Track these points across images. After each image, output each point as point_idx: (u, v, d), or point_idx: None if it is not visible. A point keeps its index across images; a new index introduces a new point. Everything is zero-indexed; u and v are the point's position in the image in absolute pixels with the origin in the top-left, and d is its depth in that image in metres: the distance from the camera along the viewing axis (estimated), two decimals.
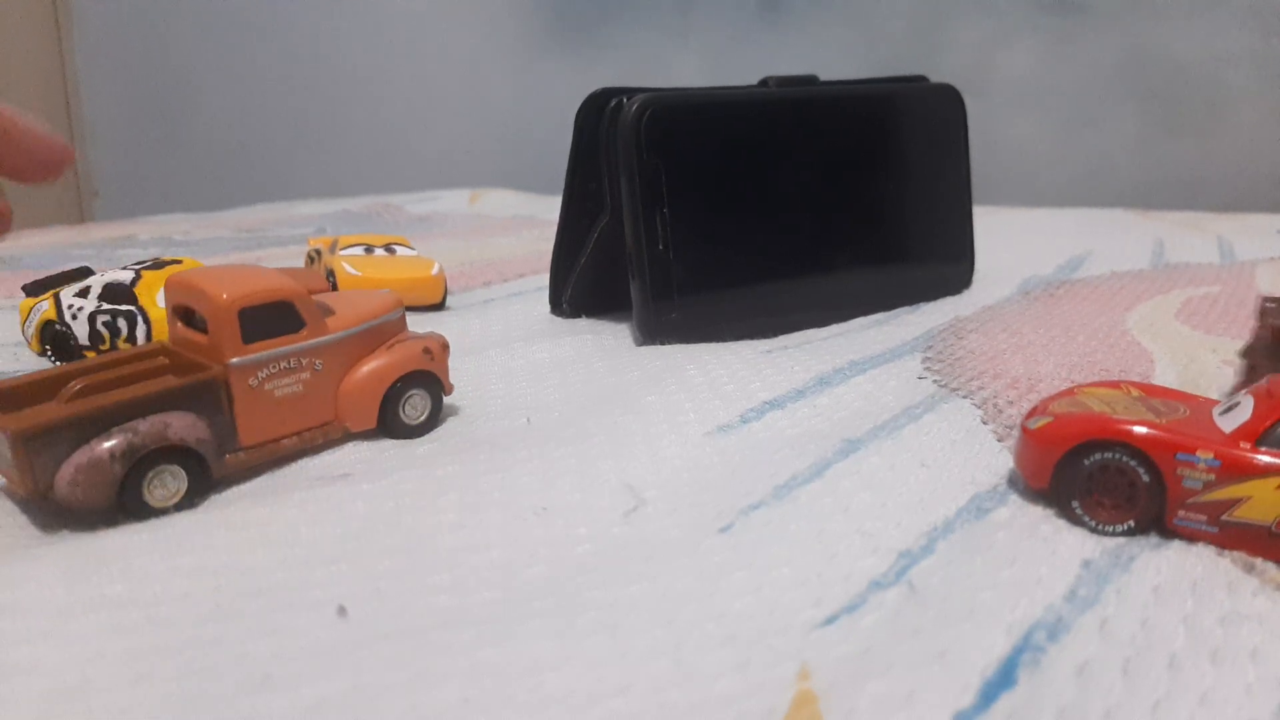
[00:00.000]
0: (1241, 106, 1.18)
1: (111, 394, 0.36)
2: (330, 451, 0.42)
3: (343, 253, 0.70)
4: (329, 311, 0.42)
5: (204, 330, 0.39)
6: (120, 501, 0.35)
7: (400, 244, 0.74)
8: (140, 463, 0.35)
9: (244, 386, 0.39)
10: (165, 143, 1.79)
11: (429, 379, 0.44)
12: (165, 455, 0.36)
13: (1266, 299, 0.48)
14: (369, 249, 0.71)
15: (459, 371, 0.52)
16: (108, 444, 0.35)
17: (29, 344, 0.56)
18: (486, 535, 0.34)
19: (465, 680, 0.25)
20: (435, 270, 0.69)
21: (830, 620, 0.28)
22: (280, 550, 0.32)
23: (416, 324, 0.63)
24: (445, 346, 0.45)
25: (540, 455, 0.40)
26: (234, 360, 0.38)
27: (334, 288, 0.67)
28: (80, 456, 0.34)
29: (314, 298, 0.42)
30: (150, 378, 0.38)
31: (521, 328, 0.63)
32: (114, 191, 1.86)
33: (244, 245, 0.99)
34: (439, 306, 0.69)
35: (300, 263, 0.77)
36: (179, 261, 0.58)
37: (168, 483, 0.36)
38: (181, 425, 0.36)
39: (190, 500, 0.37)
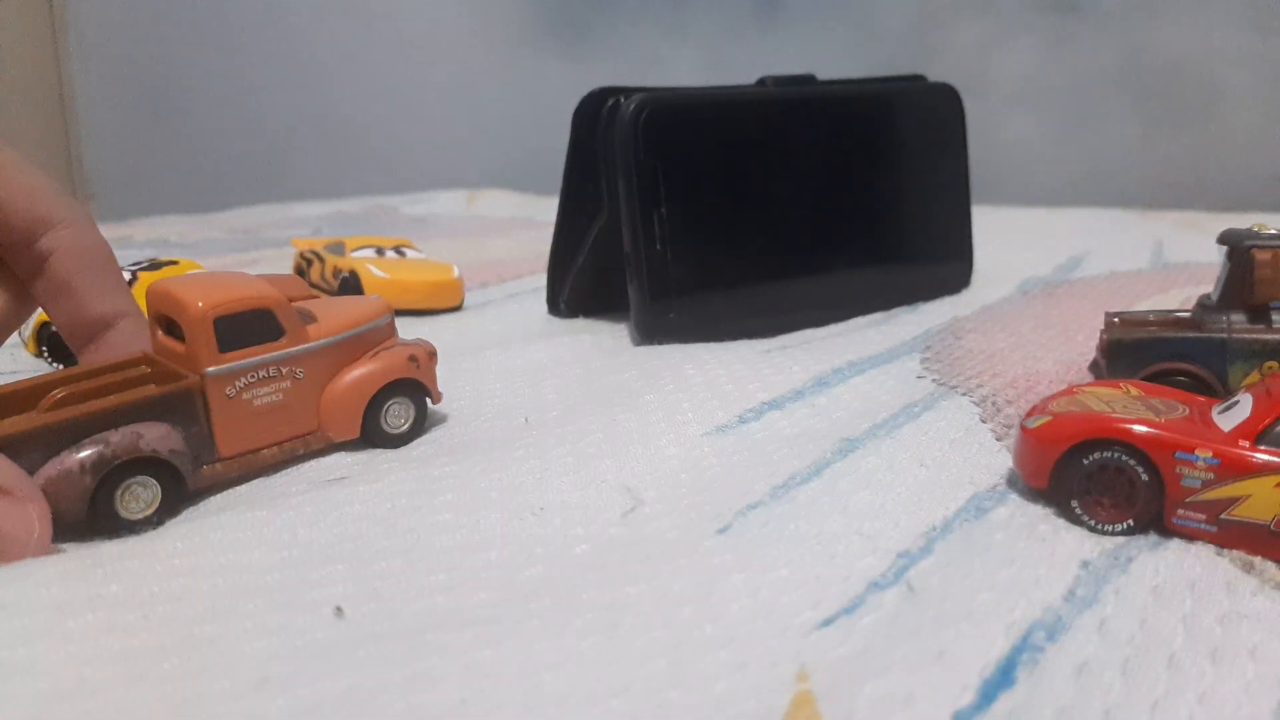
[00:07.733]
0: (1240, 105, 1.18)
1: (86, 404, 0.35)
2: (326, 455, 0.42)
3: (355, 254, 0.70)
4: (311, 319, 0.41)
5: (182, 339, 0.38)
6: (92, 513, 0.34)
7: (407, 246, 0.74)
8: (112, 474, 0.34)
9: (221, 396, 0.38)
10: (160, 144, 1.79)
11: (414, 387, 0.43)
12: (138, 466, 0.35)
13: (1110, 314, 0.48)
14: (380, 250, 0.71)
15: (456, 372, 0.52)
16: (79, 455, 0.34)
17: (25, 345, 0.56)
18: (484, 535, 0.34)
19: (463, 681, 0.25)
20: (456, 273, 0.70)
21: (829, 621, 0.28)
22: (277, 551, 0.32)
23: (432, 324, 0.64)
24: (432, 354, 0.45)
25: (538, 455, 0.40)
26: (210, 369, 0.38)
27: (359, 290, 0.67)
28: (51, 468, 0.34)
29: (297, 305, 0.41)
30: (132, 387, 0.37)
31: (519, 328, 0.63)
32: (109, 193, 1.85)
33: (239, 246, 0.99)
34: (457, 309, 0.70)
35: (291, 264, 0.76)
36: (175, 262, 0.58)
37: (140, 495, 0.35)
38: (155, 436, 0.36)
39: (167, 512, 0.36)
